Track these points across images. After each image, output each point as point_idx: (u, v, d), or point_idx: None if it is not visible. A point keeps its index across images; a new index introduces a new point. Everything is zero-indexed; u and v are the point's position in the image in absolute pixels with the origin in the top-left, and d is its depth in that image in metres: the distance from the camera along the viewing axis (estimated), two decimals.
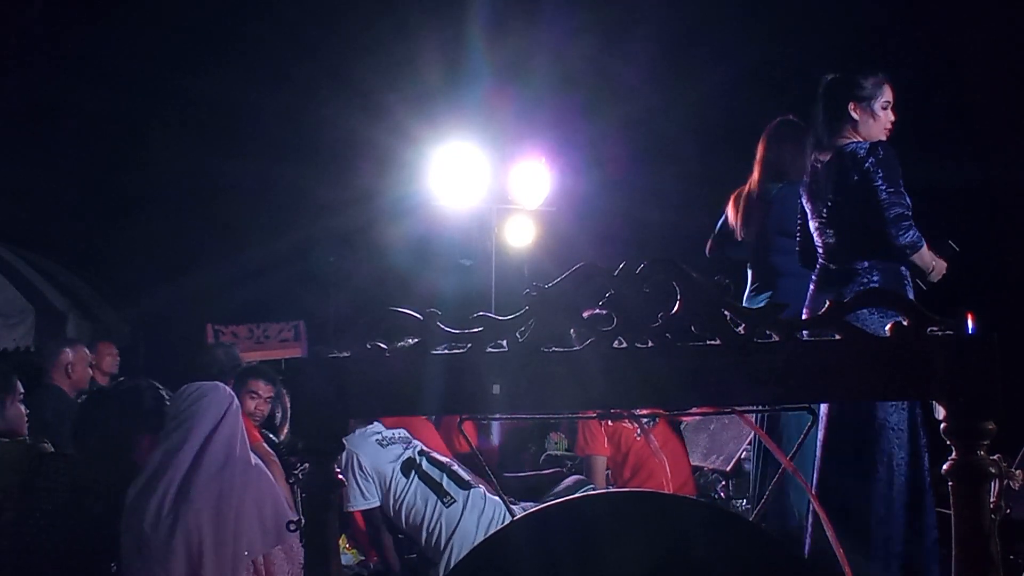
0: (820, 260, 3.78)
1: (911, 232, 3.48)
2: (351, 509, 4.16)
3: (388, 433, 4.27)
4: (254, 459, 3.36)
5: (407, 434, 4.39)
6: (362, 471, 4.09)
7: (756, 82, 8.21)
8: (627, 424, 4.58)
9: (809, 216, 3.84)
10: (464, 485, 4.13)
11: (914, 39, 7.35)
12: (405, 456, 4.18)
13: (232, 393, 3.40)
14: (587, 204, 9.48)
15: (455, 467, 4.23)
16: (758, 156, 4.65)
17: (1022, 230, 6.96)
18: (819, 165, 3.78)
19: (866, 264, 3.58)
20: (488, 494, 4.11)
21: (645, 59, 8.75)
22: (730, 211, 4.70)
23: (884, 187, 3.50)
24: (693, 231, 5.24)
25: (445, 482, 4.12)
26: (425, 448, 4.31)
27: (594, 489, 4.53)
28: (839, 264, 3.66)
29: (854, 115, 3.71)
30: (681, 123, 8.50)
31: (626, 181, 9.30)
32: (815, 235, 3.80)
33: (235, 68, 10.16)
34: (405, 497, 4.06)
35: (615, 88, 9.30)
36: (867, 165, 3.54)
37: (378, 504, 4.12)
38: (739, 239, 4.65)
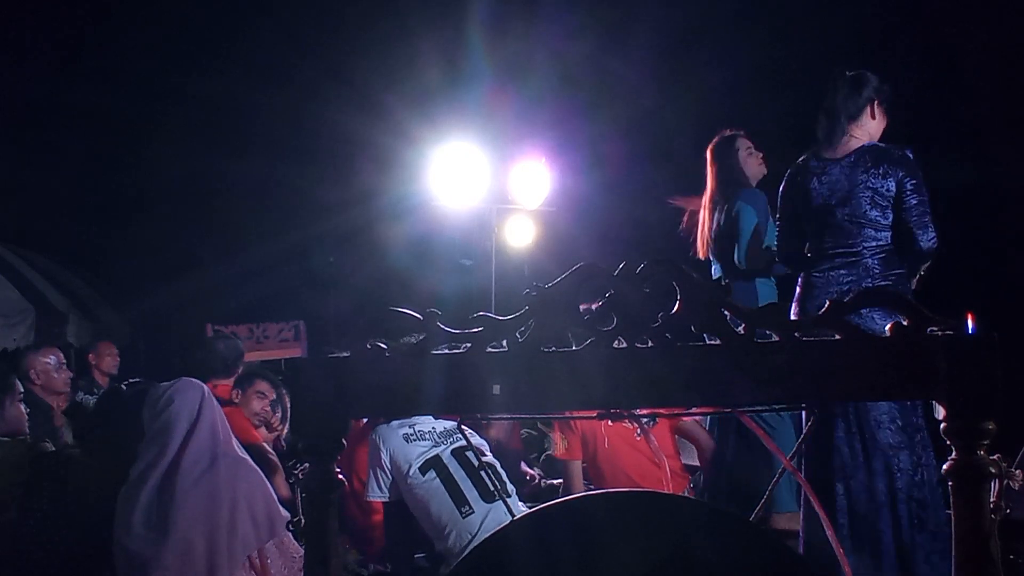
0: (838, 255, 3.66)
1: (934, 236, 3.59)
2: (368, 498, 4.11)
3: (425, 427, 4.06)
4: (240, 452, 3.34)
5: (455, 427, 3.97)
6: (381, 465, 4.02)
7: (755, 83, 8.21)
8: (607, 425, 4.41)
9: (806, 216, 3.74)
10: (489, 497, 3.84)
11: (914, 39, 7.35)
12: (429, 454, 3.98)
13: (202, 384, 3.36)
14: (587, 204, 9.47)
15: (491, 473, 3.89)
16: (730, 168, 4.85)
17: (1022, 230, 6.95)
18: (822, 163, 3.70)
19: (903, 268, 3.61)
20: (519, 507, 3.68)
21: (645, 59, 8.75)
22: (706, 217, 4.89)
23: (919, 191, 3.56)
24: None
25: (467, 489, 3.90)
26: (469, 445, 3.91)
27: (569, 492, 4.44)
28: (875, 260, 3.61)
29: (872, 115, 3.71)
30: (681, 123, 8.48)
31: (626, 181, 9.29)
32: (825, 232, 3.68)
33: (235, 68, 10.16)
34: (418, 496, 3.96)
35: (615, 88, 9.29)
36: (904, 170, 3.56)
37: (386, 498, 4.08)
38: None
